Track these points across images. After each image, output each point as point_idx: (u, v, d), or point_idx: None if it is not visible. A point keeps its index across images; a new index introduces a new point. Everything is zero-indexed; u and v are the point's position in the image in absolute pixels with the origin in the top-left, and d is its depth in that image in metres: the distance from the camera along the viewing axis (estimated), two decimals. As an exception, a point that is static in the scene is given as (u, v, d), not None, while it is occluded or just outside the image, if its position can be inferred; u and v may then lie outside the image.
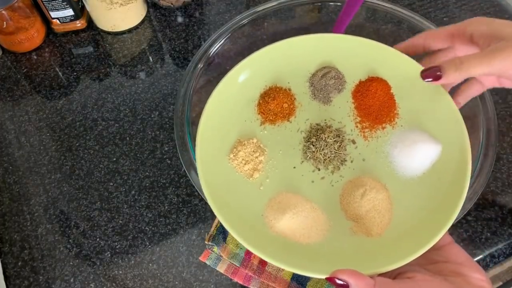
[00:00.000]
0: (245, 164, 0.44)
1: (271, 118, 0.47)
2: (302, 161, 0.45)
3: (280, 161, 0.45)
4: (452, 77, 0.38)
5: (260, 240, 0.39)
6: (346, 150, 0.46)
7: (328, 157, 0.45)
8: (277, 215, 0.41)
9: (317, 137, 0.45)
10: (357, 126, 0.47)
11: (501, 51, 0.36)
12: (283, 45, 0.49)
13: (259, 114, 0.48)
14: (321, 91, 0.48)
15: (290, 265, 0.36)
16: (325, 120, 0.48)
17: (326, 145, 0.45)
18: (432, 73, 0.39)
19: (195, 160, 0.45)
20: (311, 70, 0.50)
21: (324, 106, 0.49)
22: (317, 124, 0.47)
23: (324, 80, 0.48)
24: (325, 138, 0.45)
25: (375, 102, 0.47)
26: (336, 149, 0.45)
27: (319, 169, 0.45)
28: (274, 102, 0.47)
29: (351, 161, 0.45)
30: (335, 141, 0.45)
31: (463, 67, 0.37)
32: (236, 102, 0.48)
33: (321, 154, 0.45)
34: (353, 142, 0.46)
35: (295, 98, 0.49)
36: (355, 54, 0.49)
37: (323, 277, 0.34)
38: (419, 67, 0.45)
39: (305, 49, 0.49)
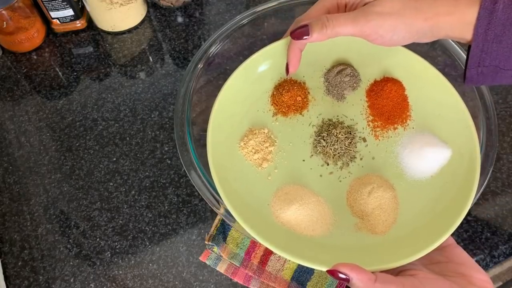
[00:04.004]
0: (254, 153, 0.44)
1: (283, 110, 0.47)
2: (312, 155, 0.45)
3: (290, 153, 0.45)
4: (320, 35, 0.38)
5: (265, 228, 0.39)
6: (356, 147, 0.46)
7: (338, 153, 0.45)
8: (283, 206, 0.41)
9: (328, 132, 0.46)
10: (369, 125, 0.47)
11: (366, 15, 0.37)
12: None
13: (272, 105, 0.48)
14: (336, 88, 0.48)
15: (293, 255, 0.36)
16: (338, 116, 0.48)
17: (337, 141, 0.45)
18: (300, 33, 0.39)
19: (195, 157, 0.45)
20: (327, 66, 0.50)
21: (337, 103, 0.49)
22: (329, 120, 0.47)
23: (340, 77, 0.48)
24: (337, 133, 0.45)
25: (388, 103, 0.47)
26: (347, 145, 0.45)
27: (328, 164, 0.45)
28: (288, 95, 0.47)
29: (361, 159, 0.45)
30: (346, 137, 0.45)
31: (330, 25, 0.37)
32: (251, 91, 0.48)
33: (331, 149, 0.45)
34: (364, 140, 0.46)
35: (309, 92, 0.49)
36: (372, 54, 0.48)
37: (325, 269, 0.34)
38: (434, 71, 0.45)
39: (322, 45, 0.49)
